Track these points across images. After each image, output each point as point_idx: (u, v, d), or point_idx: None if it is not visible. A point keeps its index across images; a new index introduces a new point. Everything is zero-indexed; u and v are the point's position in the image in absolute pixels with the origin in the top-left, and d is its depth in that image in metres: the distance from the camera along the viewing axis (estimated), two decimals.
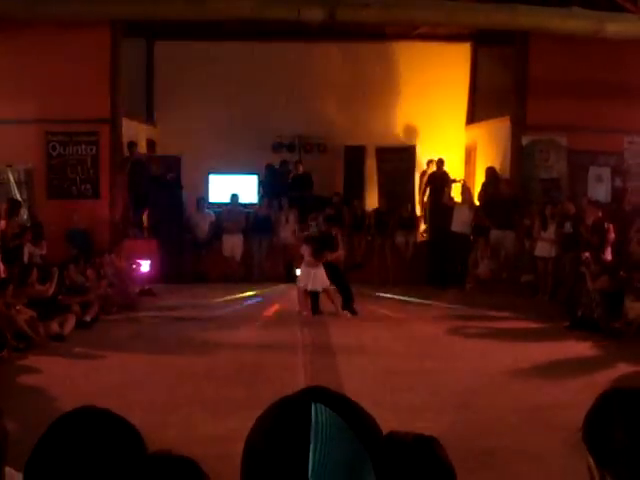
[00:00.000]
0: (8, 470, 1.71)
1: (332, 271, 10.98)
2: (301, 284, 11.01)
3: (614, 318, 9.90)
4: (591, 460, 1.64)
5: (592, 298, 10.36)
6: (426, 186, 15.66)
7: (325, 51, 16.46)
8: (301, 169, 15.87)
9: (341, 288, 11.18)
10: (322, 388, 1.03)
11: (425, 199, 15.75)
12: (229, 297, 12.62)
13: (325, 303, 11.17)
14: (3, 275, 10.03)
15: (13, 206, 12.08)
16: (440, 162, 15.47)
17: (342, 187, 16.45)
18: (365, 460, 0.97)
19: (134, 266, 12.92)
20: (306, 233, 12.21)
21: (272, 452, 0.96)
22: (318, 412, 0.97)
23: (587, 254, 11.01)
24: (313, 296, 11.05)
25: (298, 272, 11.46)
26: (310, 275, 10.83)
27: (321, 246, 10.95)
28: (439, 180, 15.28)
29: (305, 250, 11.04)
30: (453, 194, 14.91)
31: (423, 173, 16.09)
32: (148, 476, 1.27)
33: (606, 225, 12.16)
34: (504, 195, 14.03)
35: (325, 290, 10.98)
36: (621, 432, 1.59)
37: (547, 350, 8.96)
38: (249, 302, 12.45)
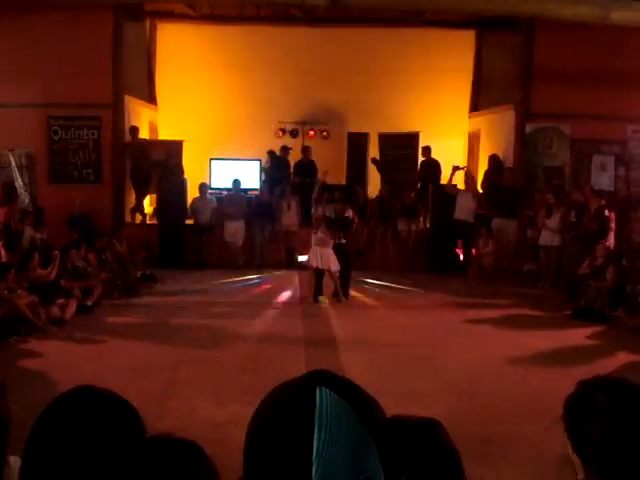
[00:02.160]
0: (13, 459, 1.72)
1: (340, 253, 10.97)
2: (310, 262, 10.95)
3: (616, 307, 9.90)
4: (570, 447, 1.64)
5: (594, 288, 10.37)
6: (419, 174, 15.65)
7: (329, 36, 16.36)
8: (310, 155, 15.82)
9: (343, 271, 11.17)
10: (326, 372, 1.03)
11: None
12: (230, 283, 12.63)
13: (325, 288, 11.17)
14: (4, 260, 10.03)
15: (9, 191, 12.06)
16: (427, 149, 15.44)
17: (345, 174, 16.42)
18: (369, 443, 0.97)
19: (135, 251, 12.90)
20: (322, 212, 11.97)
21: (276, 435, 0.96)
22: (322, 395, 0.97)
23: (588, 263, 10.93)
24: (317, 279, 11.03)
25: (300, 258, 11.43)
26: (321, 255, 10.78)
27: (337, 227, 10.91)
28: (430, 168, 15.27)
29: (321, 229, 10.95)
30: (456, 181, 14.86)
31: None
32: (150, 459, 1.26)
33: (607, 213, 12.14)
34: (507, 183, 14.00)
35: (331, 273, 10.94)
36: (598, 420, 1.59)
37: (548, 338, 8.95)
38: (250, 288, 12.45)
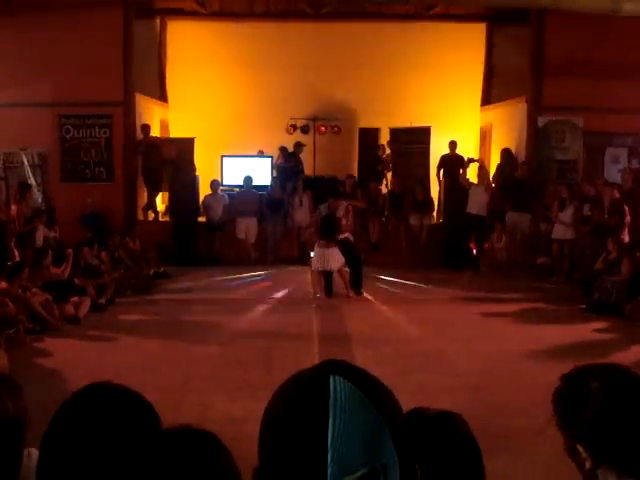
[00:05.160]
0: (33, 451, 1.75)
1: (346, 249, 10.94)
2: (315, 266, 10.97)
3: (631, 300, 9.82)
4: (567, 439, 1.66)
5: (609, 281, 10.29)
6: (438, 168, 15.54)
7: (340, 31, 16.32)
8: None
9: (352, 267, 11.14)
10: (340, 361, 1.03)
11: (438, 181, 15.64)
12: (243, 279, 12.64)
13: (338, 284, 11.14)
14: (17, 259, 10.07)
15: (22, 190, 12.10)
16: (453, 144, 15.34)
17: (356, 169, 16.38)
18: (384, 431, 0.97)
19: (148, 249, 12.93)
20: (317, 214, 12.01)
21: (290, 424, 0.96)
22: (336, 384, 0.97)
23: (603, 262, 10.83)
24: (327, 277, 11.02)
25: (312, 254, 11.41)
26: (323, 256, 10.78)
27: (326, 228, 10.86)
28: (452, 162, 15.17)
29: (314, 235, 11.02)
30: (469, 175, 14.80)
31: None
32: (170, 449, 1.28)
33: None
34: (520, 177, 13.92)
35: (338, 270, 10.94)
36: (591, 405, 1.61)
37: (563, 332, 8.91)
38: (263, 285, 12.44)
